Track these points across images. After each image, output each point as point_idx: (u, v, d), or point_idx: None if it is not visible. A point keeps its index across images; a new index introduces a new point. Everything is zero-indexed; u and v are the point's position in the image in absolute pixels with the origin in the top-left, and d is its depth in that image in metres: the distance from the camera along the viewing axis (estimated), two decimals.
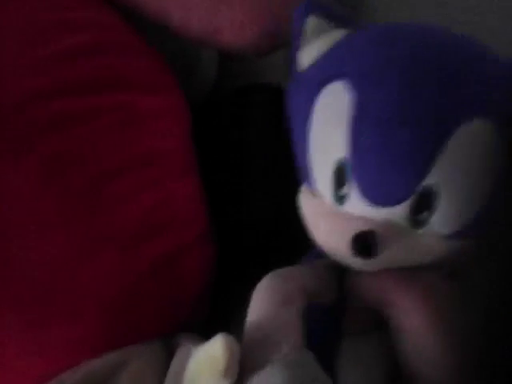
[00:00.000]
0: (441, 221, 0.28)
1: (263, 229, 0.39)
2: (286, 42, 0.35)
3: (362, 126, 0.28)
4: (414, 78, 0.27)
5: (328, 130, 0.29)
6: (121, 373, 0.33)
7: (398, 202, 0.28)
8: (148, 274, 0.34)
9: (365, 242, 0.28)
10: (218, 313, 0.35)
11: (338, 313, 0.31)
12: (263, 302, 0.30)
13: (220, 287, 0.36)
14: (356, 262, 0.29)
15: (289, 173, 0.33)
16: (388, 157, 0.27)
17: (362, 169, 0.28)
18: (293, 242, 0.33)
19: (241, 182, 0.40)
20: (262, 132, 0.41)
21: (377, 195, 0.28)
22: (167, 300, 0.35)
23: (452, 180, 0.27)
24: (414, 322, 0.29)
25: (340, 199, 0.29)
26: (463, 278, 0.31)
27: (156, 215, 0.35)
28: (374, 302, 0.30)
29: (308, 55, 0.32)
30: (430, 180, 0.27)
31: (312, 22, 0.31)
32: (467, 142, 0.27)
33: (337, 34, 0.31)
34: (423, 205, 0.28)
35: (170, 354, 0.34)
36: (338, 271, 0.31)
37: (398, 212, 0.28)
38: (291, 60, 0.32)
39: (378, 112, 0.28)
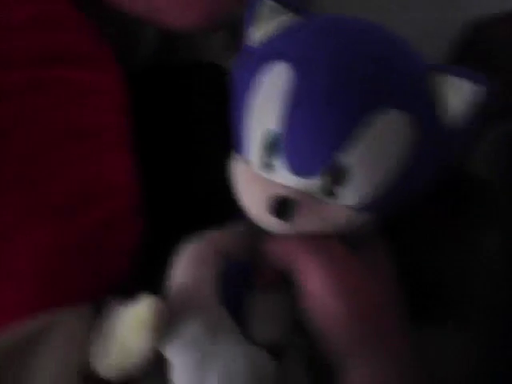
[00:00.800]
0: (351, 194, 0.32)
1: (200, 195, 0.42)
2: (226, 22, 0.37)
3: (294, 103, 0.31)
4: (343, 68, 0.31)
5: (265, 103, 0.33)
6: (53, 332, 0.34)
7: (316, 173, 0.32)
8: (81, 241, 0.35)
9: (282, 206, 0.32)
10: (149, 276, 0.36)
11: (251, 270, 0.35)
12: (183, 264, 0.34)
13: (153, 252, 0.38)
14: (273, 225, 0.33)
15: (226, 145, 0.36)
16: (312, 133, 0.31)
17: (288, 141, 0.32)
18: (226, 207, 0.36)
19: (180, 153, 0.42)
20: (198, 108, 0.44)
21: (299, 166, 0.32)
22: (100, 265, 0.36)
23: (364, 160, 0.31)
24: (314, 285, 0.32)
25: (267, 167, 0.33)
26: (366, 250, 0.35)
27: (89, 186, 0.36)
28: (283, 264, 0.33)
29: (258, 34, 0.35)
30: (345, 158, 0.31)
31: (266, 4, 0.34)
32: (382, 128, 0.31)
33: (287, 19, 0.35)
34: (337, 179, 0.32)
35: (100, 316, 0.36)
36: (258, 233, 0.35)
37: (314, 183, 0.32)
38: (242, 35, 0.35)
39: (310, 93, 0.31)
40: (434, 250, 0.40)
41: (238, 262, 0.35)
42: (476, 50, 0.43)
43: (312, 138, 0.31)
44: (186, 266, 0.34)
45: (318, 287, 0.32)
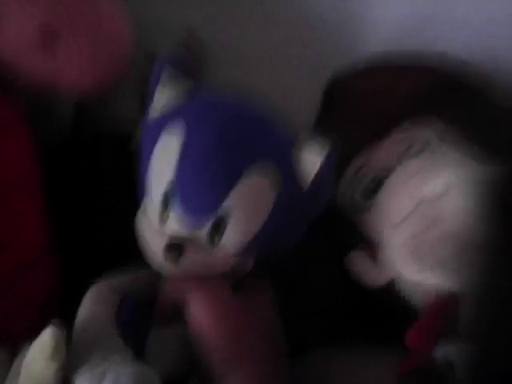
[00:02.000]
0: (229, 241, 0.38)
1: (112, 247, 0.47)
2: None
3: (184, 161, 0.38)
4: (223, 133, 0.38)
5: (162, 163, 0.39)
6: None
7: (201, 223, 0.38)
8: None
9: (173, 249, 0.38)
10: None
11: (149, 308, 0.40)
12: (85, 304, 0.39)
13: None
14: (166, 268, 0.39)
15: (132, 203, 0.42)
16: (200, 182, 0.38)
17: (181, 191, 0.38)
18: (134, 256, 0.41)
19: (93, 213, 0.48)
20: (109, 173, 0.50)
21: (190, 211, 0.38)
22: (12, 313, 0.40)
23: (239, 211, 0.38)
24: (198, 314, 0.38)
25: (163, 220, 0.39)
26: (246, 287, 0.41)
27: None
28: (175, 300, 0.39)
29: (160, 101, 0.41)
30: (223, 209, 0.37)
31: (168, 71, 0.41)
32: (251, 184, 0.38)
33: (185, 86, 0.41)
34: (217, 228, 0.38)
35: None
36: (155, 277, 0.41)
37: (200, 233, 0.38)
38: (148, 103, 0.42)
39: (196, 151, 0.38)
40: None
41: (140, 299, 0.41)
42: (335, 104, 0.51)
43: (200, 186, 0.38)
44: (87, 305, 0.39)
45: (201, 315, 0.38)
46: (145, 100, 0.45)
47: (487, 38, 0.55)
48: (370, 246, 0.41)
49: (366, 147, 0.45)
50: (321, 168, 0.38)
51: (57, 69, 0.43)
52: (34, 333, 0.35)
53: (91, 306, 0.39)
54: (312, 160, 0.38)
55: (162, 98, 0.41)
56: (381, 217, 0.41)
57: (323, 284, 0.45)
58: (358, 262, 0.41)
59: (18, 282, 0.40)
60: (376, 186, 0.42)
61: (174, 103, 0.41)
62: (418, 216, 0.38)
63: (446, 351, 0.37)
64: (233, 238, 0.38)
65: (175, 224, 0.39)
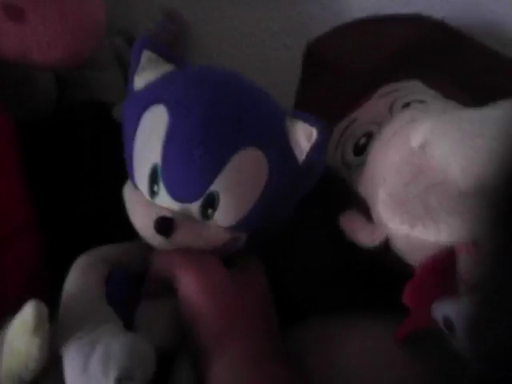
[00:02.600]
0: (221, 216, 0.38)
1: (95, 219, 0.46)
2: (90, 62, 0.43)
3: (171, 141, 0.37)
4: (210, 112, 0.37)
5: (148, 141, 0.38)
6: None
7: (191, 200, 0.38)
8: None
9: (164, 224, 0.37)
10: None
11: (139, 280, 0.39)
12: (72, 274, 0.38)
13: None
14: (157, 241, 0.38)
15: (117, 172, 0.41)
16: (186, 167, 0.37)
17: (167, 174, 0.38)
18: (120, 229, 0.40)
19: (76, 183, 0.47)
20: (89, 143, 0.48)
21: (177, 194, 0.38)
22: None
23: (229, 189, 0.37)
24: (188, 288, 0.37)
25: (153, 194, 0.38)
26: (238, 263, 0.40)
27: None
28: (165, 274, 0.38)
29: (141, 80, 0.41)
30: (214, 187, 0.37)
31: (147, 54, 0.40)
32: (242, 162, 0.37)
33: (166, 68, 0.40)
34: (209, 204, 0.38)
35: None
36: (145, 249, 0.40)
37: (191, 207, 0.38)
38: (128, 81, 0.41)
39: (183, 133, 0.37)
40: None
41: (130, 271, 0.40)
42: (314, 67, 0.50)
43: (185, 171, 0.37)
44: (74, 276, 0.38)
45: (192, 292, 0.37)
46: (127, 76, 0.44)
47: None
48: (363, 206, 0.40)
49: (351, 107, 0.44)
50: (316, 140, 0.38)
51: (25, 45, 0.42)
52: (15, 308, 0.35)
53: (79, 275, 0.38)
54: (307, 133, 0.38)
55: (142, 81, 0.40)
56: (371, 172, 0.39)
57: (318, 248, 0.44)
58: (352, 222, 0.40)
59: None
60: (366, 141, 0.41)
61: (156, 83, 0.40)
62: (404, 166, 0.37)
63: (444, 310, 0.36)
64: (225, 213, 0.38)
65: (166, 199, 0.38)
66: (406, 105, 0.42)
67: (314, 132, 0.38)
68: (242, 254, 0.41)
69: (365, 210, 0.40)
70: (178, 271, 0.38)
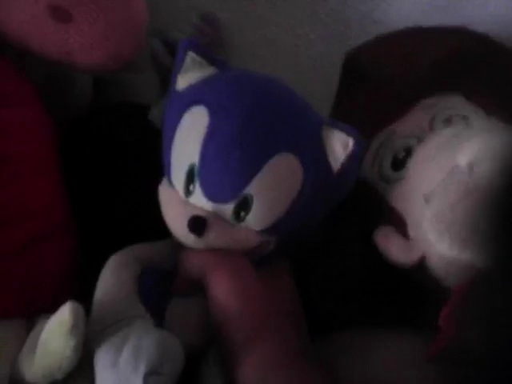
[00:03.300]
0: (253, 220, 0.38)
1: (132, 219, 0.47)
2: (130, 65, 0.43)
3: (210, 142, 0.38)
4: (250, 116, 0.38)
5: (187, 141, 0.39)
6: None
7: (226, 201, 0.38)
8: (7, 259, 0.38)
9: (197, 223, 0.38)
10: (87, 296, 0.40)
11: (170, 279, 0.40)
12: (105, 272, 0.39)
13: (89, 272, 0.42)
14: (190, 240, 0.39)
15: (152, 171, 0.42)
16: (223, 168, 0.37)
17: (204, 174, 0.38)
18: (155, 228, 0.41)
19: (111, 182, 0.48)
20: (125, 143, 0.49)
21: (212, 194, 0.38)
22: (28, 282, 0.39)
23: (263, 192, 0.38)
24: (220, 290, 0.37)
25: (188, 193, 0.39)
26: (268, 266, 0.40)
27: (13, 207, 0.40)
28: (196, 274, 0.39)
29: (184, 81, 0.41)
30: (248, 189, 0.37)
31: (191, 55, 0.41)
32: (278, 167, 0.38)
33: (209, 70, 0.41)
34: (242, 206, 0.38)
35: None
36: (177, 248, 0.40)
37: (225, 208, 0.38)
38: (171, 81, 0.42)
39: (222, 135, 0.38)
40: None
41: (161, 270, 0.40)
42: (353, 78, 0.49)
43: (222, 172, 0.37)
44: (107, 274, 0.39)
45: (222, 293, 0.37)
46: (163, 78, 0.44)
47: None
48: (399, 222, 0.39)
49: (390, 119, 0.43)
50: (352, 151, 0.38)
51: (69, 46, 0.43)
52: (50, 306, 0.35)
53: (112, 273, 0.39)
54: (343, 142, 0.38)
55: (185, 81, 0.41)
56: (411, 188, 0.39)
57: (347, 261, 0.43)
58: (388, 239, 0.39)
59: (32, 254, 0.40)
60: (405, 155, 0.40)
61: (197, 84, 0.40)
62: (450, 186, 0.36)
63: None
64: (258, 216, 0.38)
65: (200, 198, 0.38)
66: (448, 119, 0.41)
67: (351, 142, 0.38)
68: (272, 258, 0.41)
69: (400, 226, 0.39)
70: (209, 271, 0.38)
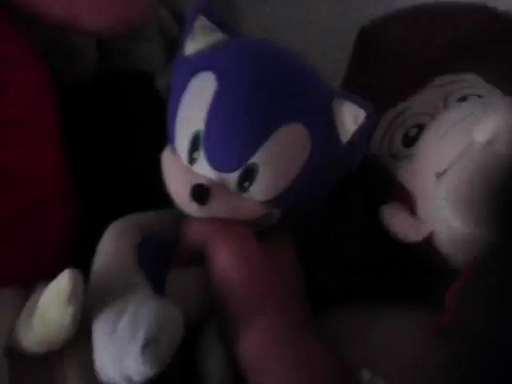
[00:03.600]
0: (257, 190, 0.37)
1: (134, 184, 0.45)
2: (137, 28, 0.42)
3: (216, 109, 0.37)
4: (259, 84, 0.37)
5: (193, 107, 0.38)
6: None
7: (230, 170, 0.37)
8: (5, 225, 0.37)
9: (200, 192, 0.37)
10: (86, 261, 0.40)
11: (171, 248, 0.39)
12: (105, 239, 0.38)
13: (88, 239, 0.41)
14: (192, 208, 0.38)
15: (156, 139, 0.41)
16: (228, 135, 0.36)
17: (209, 141, 0.37)
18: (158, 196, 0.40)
19: (115, 148, 0.46)
20: (130, 110, 0.48)
21: (216, 163, 0.37)
22: (27, 248, 0.39)
23: (269, 162, 0.37)
24: (220, 264, 0.37)
25: (192, 160, 0.38)
26: (271, 238, 0.39)
27: (12, 172, 0.39)
28: (197, 243, 0.38)
29: (193, 46, 0.40)
30: (254, 159, 0.36)
31: (201, 20, 0.39)
32: (286, 137, 0.37)
33: (219, 36, 0.40)
34: (247, 176, 0.37)
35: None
36: (179, 217, 0.39)
37: (229, 178, 0.37)
38: (179, 45, 0.40)
39: (229, 102, 0.36)
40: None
41: (162, 239, 0.39)
42: (366, 53, 0.48)
43: (228, 140, 0.36)
44: (107, 241, 0.39)
45: (223, 259, 0.36)
46: (169, 48, 0.43)
47: None
48: (408, 198, 0.39)
49: (403, 95, 0.42)
50: (363, 123, 0.37)
51: (76, 9, 0.42)
52: (49, 273, 0.34)
53: (111, 241, 0.38)
54: (354, 114, 0.37)
55: (194, 46, 0.40)
56: (422, 165, 0.38)
57: (353, 236, 0.43)
58: (395, 215, 0.38)
59: (32, 220, 0.39)
60: (417, 132, 0.39)
61: (207, 50, 0.39)
62: (467, 163, 0.35)
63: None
64: (262, 187, 0.37)
65: (204, 166, 0.37)
66: (462, 98, 0.40)
67: (362, 114, 0.37)
68: (275, 230, 0.40)
69: (408, 203, 0.39)
70: (212, 241, 0.37)
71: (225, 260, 0.36)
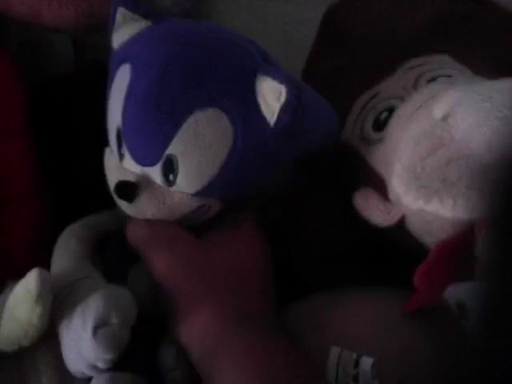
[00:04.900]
0: (183, 182, 0.36)
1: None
2: (101, 24, 0.41)
3: (129, 102, 0.36)
4: (168, 70, 0.35)
5: (114, 102, 0.37)
6: None
7: (150, 164, 0.36)
8: None
9: (124, 189, 0.36)
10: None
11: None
12: (60, 242, 0.39)
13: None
14: (123, 206, 0.37)
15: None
16: (142, 128, 0.35)
17: (127, 136, 0.36)
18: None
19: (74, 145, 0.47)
20: (87, 105, 0.47)
21: (137, 157, 0.36)
22: None
23: (187, 152, 0.35)
24: (155, 271, 0.36)
25: (121, 157, 0.37)
26: (214, 231, 0.39)
27: None
28: (135, 247, 0.38)
29: (117, 39, 0.39)
30: (170, 150, 0.35)
31: (121, 12, 0.38)
32: (200, 124, 0.35)
33: (141, 25, 0.38)
34: (168, 168, 0.36)
35: None
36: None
37: (152, 172, 0.36)
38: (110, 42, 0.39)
39: (138, 93, 0.35)
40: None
41: (121, 236, 0.39)
42: (329, 35, 0.46)
43: (141, 133, 0.36)
44: (61, 244, 0.39)
45: (160, 269, 0.36)
46: None
47: None
48: (380, 183, 0.38)
49: (373, 80, 0.41)
50: (286, 100, 0.33)
51: (37, 5, 0.42)
52: (20, 272, 0.34)
53: (61, 242, 0.39)
54: (275, 92, 0.34)
55: (118, 39, 0.39)
56: (391, 148, 0.37)
57: (328, 223, 0.42)
58: (367, 200, 0.38)
59: (2, 219, 0.40)
60: (388, 116, 0.39)
61: (128, 41, 0.38)
62: (423, 139, 0.34)
63: (457, 291, 0.34)
64: (187, 178, 0.36)
65: (130, 161, 0.37)
66: (432, 80, 0.39)
67: (283, 90, 0.33)
68: (232, 215, 0.39)
69: (381, 188, 0.38)
70: (145, 247, 0.37)
71: (159, 268, 0.36)
